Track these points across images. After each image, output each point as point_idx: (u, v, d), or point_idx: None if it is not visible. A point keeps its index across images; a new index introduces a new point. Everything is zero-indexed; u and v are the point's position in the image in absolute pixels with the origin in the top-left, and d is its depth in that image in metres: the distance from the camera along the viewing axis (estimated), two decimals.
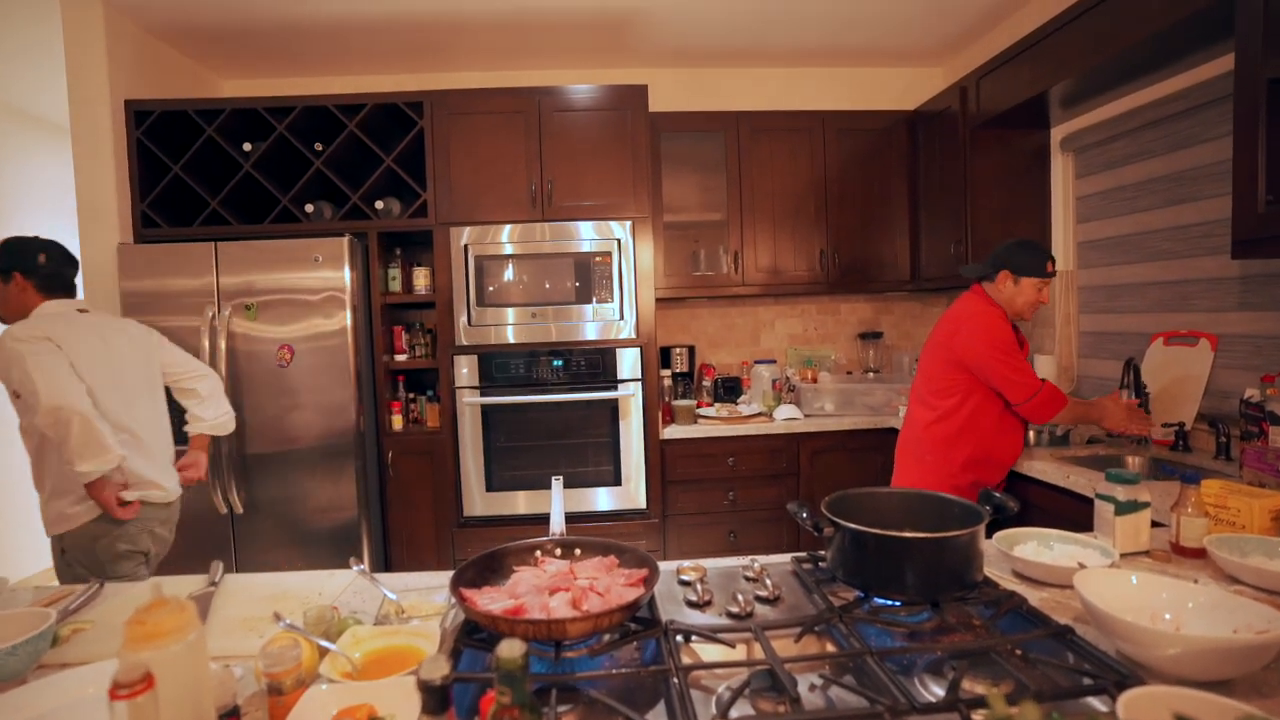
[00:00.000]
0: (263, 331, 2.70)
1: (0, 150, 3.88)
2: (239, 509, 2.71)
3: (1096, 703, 0.83)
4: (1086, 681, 0.85)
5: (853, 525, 1.11)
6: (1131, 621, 0.87)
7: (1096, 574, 1.05)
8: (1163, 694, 0.74)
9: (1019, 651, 0.92)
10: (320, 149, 2.96)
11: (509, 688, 0.63)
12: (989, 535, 1.25)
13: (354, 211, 2.98)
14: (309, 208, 2.94)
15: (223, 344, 2.65)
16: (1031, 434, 2.44)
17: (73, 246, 4.19)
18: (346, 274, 2.71)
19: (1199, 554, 1.30)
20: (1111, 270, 2.68)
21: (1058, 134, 2.90)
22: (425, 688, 0.62)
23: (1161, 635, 0.85)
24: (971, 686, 0.85)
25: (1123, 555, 1.32)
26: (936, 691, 0.86)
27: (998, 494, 1.20)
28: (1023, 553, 1.27)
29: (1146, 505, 1.33)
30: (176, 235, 2.88)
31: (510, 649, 0.63)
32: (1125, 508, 1.33)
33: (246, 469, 2.71)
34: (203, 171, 2.98)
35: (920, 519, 1.25)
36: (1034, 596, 1.16)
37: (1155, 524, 1.46)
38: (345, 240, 2.72)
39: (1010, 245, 2.16)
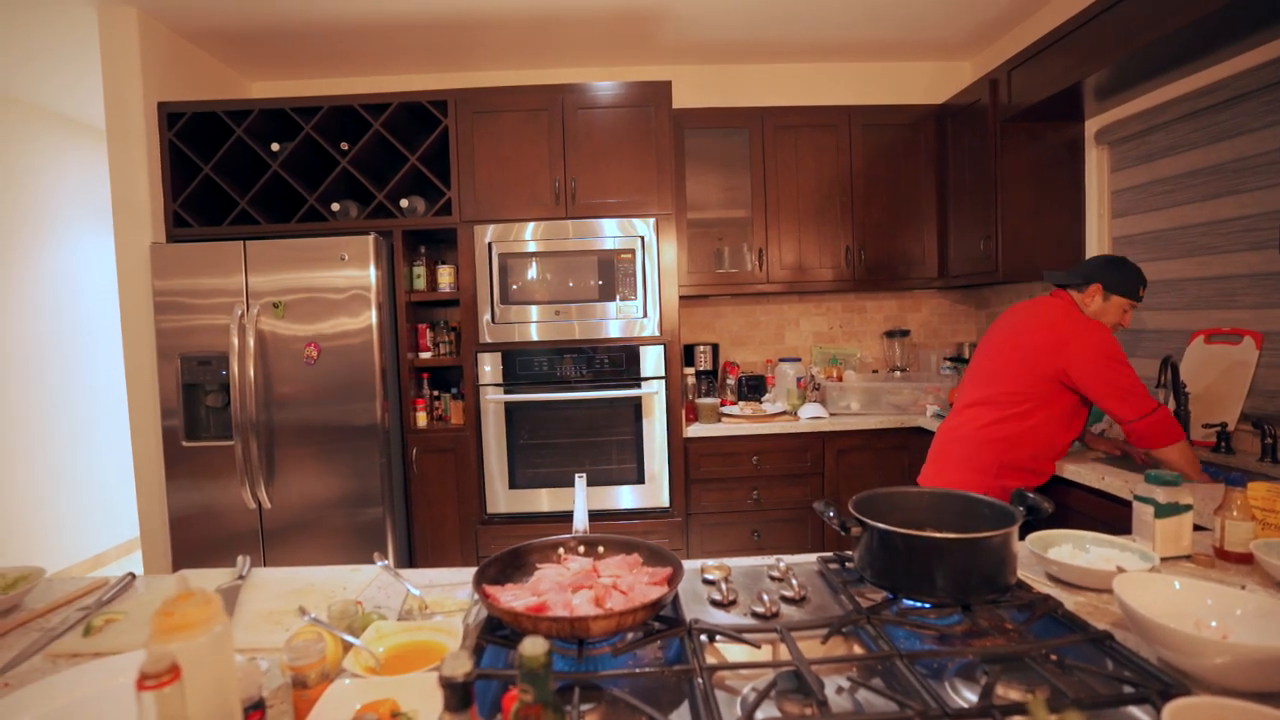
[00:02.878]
0: (290, 329, 2.73)
1: (35, 152, 3.97)
2: (267, 505, 2.75)
3: (1139, 712, 0.80)
4: (1128, 690, 0.82)
5: (882, 525, 1.09)
6: (1176, 628, 0.84)
7: (1137, 578, 1.01)
8: (1210, 704, 0.71)
9: (1054, 657, 0.89)
10: (346, 148, 2.99)
11: (531, 686, 0.62)
12: (1022, 537, 1.21)
13: (379, 210, 3.01)
14: (335, 207, 2.97)
15: (251, 341, 2.69)
16: None
17: (106, 247, 4.36)
18: (372, 272, 2.74)
19: (1245, 559, 1.26)
20: (1148, 266, 2.60)
21: (1092, 126, 2.83)
22: (447, 685, 0.61)
23: (1209, 643, 0.81)
24: (1005, 692, 0.82)
25: (1163, 559, 1.28)
26: (969, 697, 0.83)
27: (1031, 494, 1.17)
28: (1058, 555, 1.24)
29: (1188, 508, 1.29)
30: (207, 235, 2.94)
31: (533, 647, 0.62)
32: (1166, 510, 1.28)
33: (273, 465, 2.75)
34: (232, 172, 3.03)
35: (950, 519, 1.22)
36: (1070, 601, 1.13)
37: (1197, 527, 1.42)
38: (371, 239, 2.74)
39: (1105, 260, 2.09)
